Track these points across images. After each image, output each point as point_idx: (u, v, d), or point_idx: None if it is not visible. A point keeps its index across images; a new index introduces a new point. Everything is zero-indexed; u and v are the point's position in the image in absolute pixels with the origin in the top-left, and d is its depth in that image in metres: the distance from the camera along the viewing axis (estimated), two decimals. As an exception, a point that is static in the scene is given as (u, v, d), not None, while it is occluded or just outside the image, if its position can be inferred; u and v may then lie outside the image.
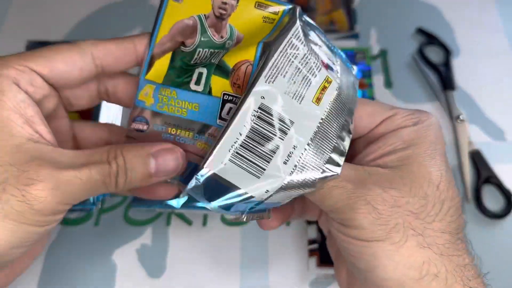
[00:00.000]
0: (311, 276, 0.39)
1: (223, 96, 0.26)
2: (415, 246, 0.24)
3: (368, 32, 0.53)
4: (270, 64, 0.24)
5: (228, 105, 0.26)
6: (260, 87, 0.24)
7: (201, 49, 0.27)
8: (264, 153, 0.24)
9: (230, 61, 0.26)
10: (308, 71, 0.25)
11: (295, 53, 0.25)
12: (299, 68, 0.24)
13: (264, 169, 0.24)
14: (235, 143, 0.24)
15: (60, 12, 0.55)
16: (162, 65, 0.27)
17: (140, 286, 0.39)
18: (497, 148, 0.45)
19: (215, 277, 0.39)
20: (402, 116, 0.28)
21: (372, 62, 0.51)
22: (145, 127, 0.27)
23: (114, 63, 0.27)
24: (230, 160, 0.24)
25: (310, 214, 0.33)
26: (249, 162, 0.24)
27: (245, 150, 0.24)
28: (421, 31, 0.52)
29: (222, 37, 0.26)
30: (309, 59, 0.25)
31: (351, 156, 0.29)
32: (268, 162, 0.24)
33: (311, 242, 0.40)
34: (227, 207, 0.25)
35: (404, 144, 0.27)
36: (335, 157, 0.25)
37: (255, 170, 0.24)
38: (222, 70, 0.26)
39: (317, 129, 0.25)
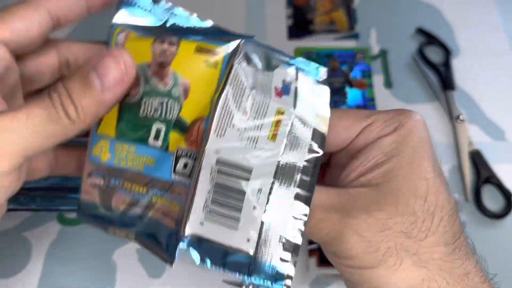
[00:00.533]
0: (311, 276, 0.39)
1: (177, 151, 0.26)
2: (411, 266, 0.23)
3: (368, 32, 0.53)
4: (216, 118, 0.24)
5: (182, 160, 0.26)
6: (213, 143, 0.24)
7: (147, 99, 0.26)
8: (233, 204, 0.24)
9: (188, 117, 0.26)
10: (256, 112, 0.25)
11: (238, 99, 0.25)
12: (246, 112, 0.25)
13: (239, 219, 0.24)
14: (206, 201, 0.24)
15: (60, 12, 0.55)
16: (111, 118, 0.27)
17: (140, 286, 0.39)
18: (497, 148, 0.45)
19: (215, 276, 0.39)
20: (380, 124, 0.26)
21: (372, 62, 0.51)
22: (101, 182, 0.27)
23: (67, 12, 0.26)
24: (206, 218, 0.24)
25: None
26: (223, 217, 0.24)
27: (216, 205, 0.24)
28: (421, 31, 0.52)
29: (166, 84, 0.26)
30: (255, 98, 0.25)
31: (337, 173, 0.28)
32: (240, 211, 0.24)
33: (311, 242, 0.40)
34: (223, 265, 0.25)
35: (385, 156, 0.25)
36: (302, 189, 0.25)
37: (231, 222, 0.24)
38: (180, 126, 0.26)
39: (276, 168, 0.25)
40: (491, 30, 0.53)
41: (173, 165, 0.26)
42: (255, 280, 0.25)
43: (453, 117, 0.47)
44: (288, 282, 0.25)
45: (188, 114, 0.26)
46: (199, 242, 0.25)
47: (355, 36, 0.53)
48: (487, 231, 0.41)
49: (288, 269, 0.25)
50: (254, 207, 0.24)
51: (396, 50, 0.52)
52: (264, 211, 0.24)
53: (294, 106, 0.25)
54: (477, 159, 0.44)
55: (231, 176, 0.24)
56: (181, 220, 0.25)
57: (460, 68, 0.50)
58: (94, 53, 0.27)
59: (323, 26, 0.53)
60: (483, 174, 0.43)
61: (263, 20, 0.54)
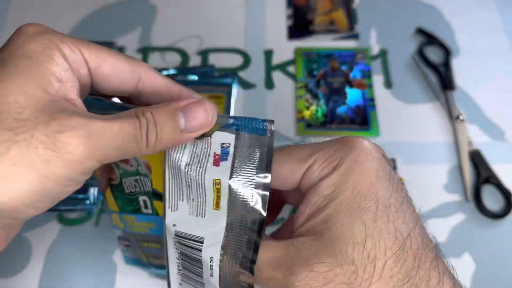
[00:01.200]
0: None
1: None
2: None
3: (368, 32, 0.53)
4: (166, 196, 0.26)
5: None
6: (169, 217, 0.26)
7: (125, 179, 0.30)
8: (196, 270, 0.27)
9: (159, 188, 0.29)
10: (196, 186, 0.25)
11: (178, 177, 0.25)
12: (189, 187, 0.25)
13: (203, 283, 0.27)
14: (178, 266, 0.27)
15: (60, 12, 0.55)
16: (109, 197, 0.31)
17: (140, 286, 0.39)
18: (497, 148, 0.45)
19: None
20: (320, 164, 0.25)
21: (372, 62, 0.51)
22: (127, 243, 0.35)
23: (155, 98, 0.26)
24: (182, 280, 0.28)
25: None
26: (192, 279, 0.27)
27: (186, 270, 0.27)
28: (421, 31, 0.52)
29: (132, 166, 0.29)
30: (191, 175, 0.25)
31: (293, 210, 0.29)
32: (202, 277, 0.27)
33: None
34: None
35: (325, 200, 0.24)
36: (248, 251, 0.25)
37: (199, 285, 0.27)
38: (157, 196, 0.30)
39: (226, 233, 0.25)
40: (491, 30, 0.53)
41: None
42: None
43: (453, 117, 0.47)
44: None
45: (158, 185, 0.29)
46: None
47: (355, 36, 0.53)
48: (487, 231, 0.41)
49: None
50: (211, 274, 0.26)
51: (396, 50, 0.52)
52: (219, 277, 0.26)
53: (231, 174, 0.24)
54: (477, 159, 0.44)
55: (188, 247, 0.26)
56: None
57: (460, 68, 0.50)
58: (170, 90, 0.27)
59: (323, 26, 0.53)
60: (483, 174, 0.43)
61: (263, 20, 0.54)
